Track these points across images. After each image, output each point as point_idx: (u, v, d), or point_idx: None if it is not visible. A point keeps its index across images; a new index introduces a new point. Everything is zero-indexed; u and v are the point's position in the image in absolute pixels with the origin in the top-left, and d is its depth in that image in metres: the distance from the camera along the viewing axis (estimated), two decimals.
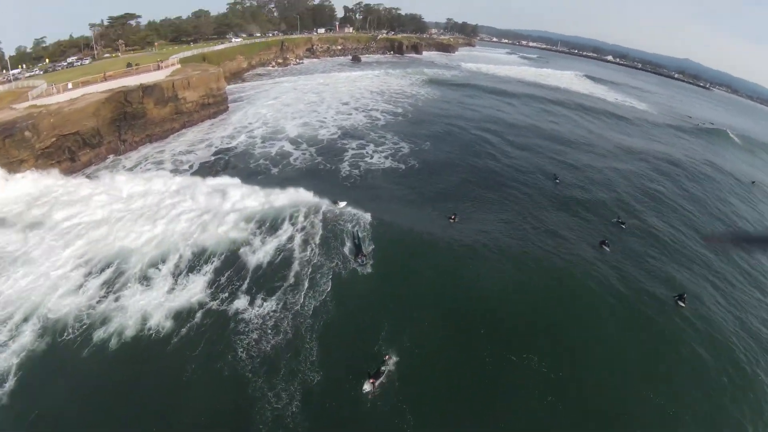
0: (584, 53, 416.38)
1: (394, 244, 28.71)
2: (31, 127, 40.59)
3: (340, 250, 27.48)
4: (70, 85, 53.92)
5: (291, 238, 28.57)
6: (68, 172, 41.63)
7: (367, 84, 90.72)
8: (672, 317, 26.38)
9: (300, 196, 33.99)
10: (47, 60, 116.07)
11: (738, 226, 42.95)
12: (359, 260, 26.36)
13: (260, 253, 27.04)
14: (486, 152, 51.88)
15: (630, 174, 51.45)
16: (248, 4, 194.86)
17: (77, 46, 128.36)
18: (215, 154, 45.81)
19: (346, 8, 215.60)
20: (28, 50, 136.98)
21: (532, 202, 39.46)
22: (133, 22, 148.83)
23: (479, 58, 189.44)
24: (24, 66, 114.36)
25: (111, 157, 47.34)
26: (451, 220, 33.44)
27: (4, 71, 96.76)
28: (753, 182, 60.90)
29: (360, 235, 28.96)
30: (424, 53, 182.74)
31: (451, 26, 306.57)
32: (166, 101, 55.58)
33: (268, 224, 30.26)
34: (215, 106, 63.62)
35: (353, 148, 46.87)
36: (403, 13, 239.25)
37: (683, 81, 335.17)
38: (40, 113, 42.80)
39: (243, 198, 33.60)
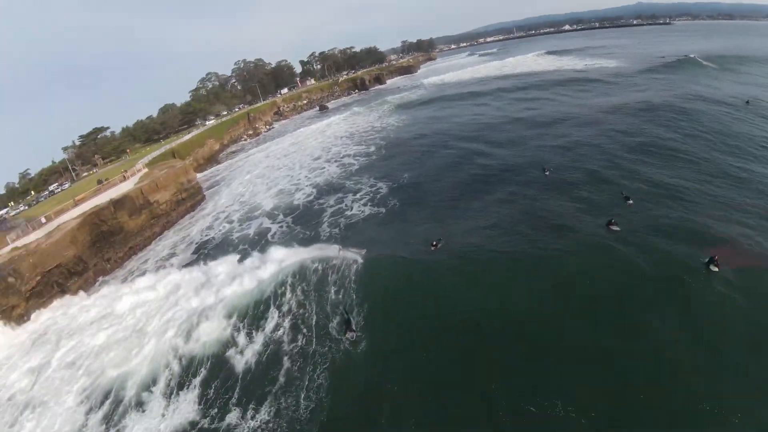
0: (542, 31, 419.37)
1: (382, 301, 26.30)
2: (12, 273, 40.22)
3: (329, 330, 25.19)
4: (43, 219, 53.95)
5: (278, 327, 26.28)
6: (64, 302, 40.81)
7: (335, 131, 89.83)
8: (712, 288, 22.66)
9: (282, 267, 32.47)
10: (32, 192, 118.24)
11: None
12: (349, 337, 23.91)
13: (248, 353, 24.86)
14: (467, 162, 49.60)
15: (620, 135, 48.35)
16: (211, 86, 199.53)
17: (58, 172, 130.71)
18: (196, 251, 44.29)
19: (302, 62, 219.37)
20: (16, 185, 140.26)
21: (525, 201, 36.61)
22: (108, 133, 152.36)
23: (441, 69, 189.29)
24: (12, 204, 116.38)
25: (100, 279, 46.41)
26: (434, 248, 30.74)
27: None
28: (747, 102, 56.67)
29: (347, 308, 26.53)
30: (388, 81, 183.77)
31: (408, 47, 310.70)
32: (140, 209, 54.84)
33: (252, 313, 28.30)
34: (191, 198, 62.85)
35: (330, 205, 44.73)
36: (358, 49, 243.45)
37: (643, 24, 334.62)
38: (20, 255, 42.63)
39: (223, 288, 32.19)
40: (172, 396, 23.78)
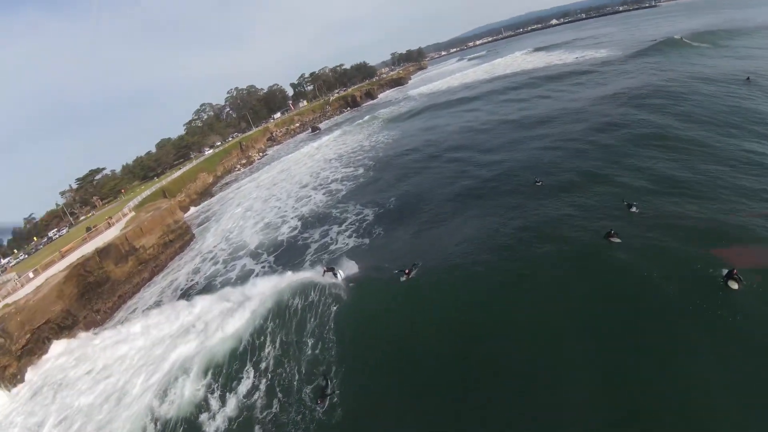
0: (530, 28, 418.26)
1: (359, 350, 23.98)
2: (1, 333, 39.47)
3: (303, 396, 22.72)
4: (31, 275, 53.51)
5: (253, 389, 24.12)
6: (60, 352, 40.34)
7: (325, 153, 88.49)
8: (732, 309, 19.19)
9: (261, 307, 30.93)
10: (35, 238, 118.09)
11: None
12: (320, 407, 21.28)
13: (219, 419, 22.81)
14: (456, 175, 47.41)
15: (617, 129, 45.14)
16: (206, 117, 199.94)
17: (58, 216, 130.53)
18: (181, 296, 42.55)
19: (293, 85, 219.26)
20: (23, 230, 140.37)
21: (515, 213, 33.76)
22: (109, 171, 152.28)
23: (431, 78, 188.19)
24: (16, 251, 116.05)
25: (91, 331, 44.56)
26: (406, 277, 27.94)
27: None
28: (747, 78, 52.90)
29: (325, 371, 24.05)
30: (380, 95, 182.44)
31: (398, 59, 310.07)
32: (126, 256, 53.40)
33: (226, 371, 26.32)
34: (179, 239, 61.19)
35: (315, 239, 42.34)
36: (348, 66, 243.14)
37: (629, 10, 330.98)
38: (8, 314, 42.56)
39: (202, 337, 30.95)
40: None
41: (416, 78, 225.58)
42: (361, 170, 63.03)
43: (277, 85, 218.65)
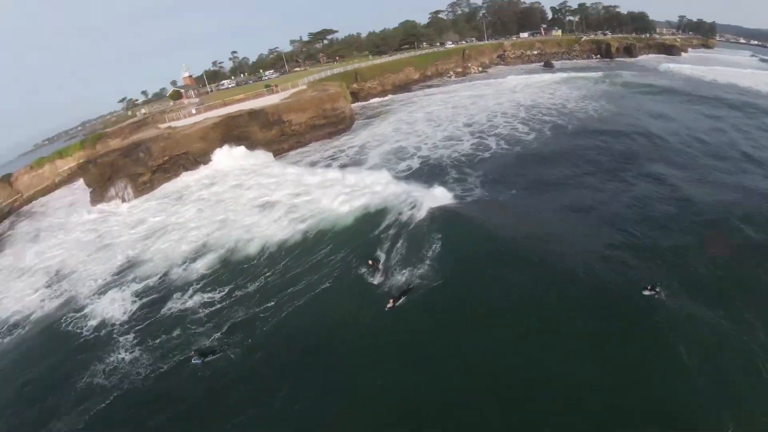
0: None
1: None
2: (144, 149, 49.87)
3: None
4: (194, 111, 60.27)
5: (219, 301, 23.25)
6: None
7: (528, 95, 76.79)
8: None
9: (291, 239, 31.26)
10: (261, 71, 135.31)
11: None
12: None
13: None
14: (617, 196, 33.71)
15: None
16: (460, 12, 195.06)
17: (282, 60, 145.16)
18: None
19: (553, 9, 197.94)
20: (270, 57, 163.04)
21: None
22: (338, 35, 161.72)
23: (712, 60, 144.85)
24: (243, 75, 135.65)
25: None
26: (391, 305, 21.32)
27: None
28: None
29: None
30: (640, 56, 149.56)
31: (684, 25, 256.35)
32: (272, 124, 57.93)
33: (225, 275, 26.67)
34: (330, 126, 63.11)
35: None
36: (624, 12, 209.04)
37: None
38: (154, 137, 49.79)
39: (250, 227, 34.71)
40: None
41: (694, 53, 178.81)
42: (532, 135, 52.00)
43: (539, 3, 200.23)
